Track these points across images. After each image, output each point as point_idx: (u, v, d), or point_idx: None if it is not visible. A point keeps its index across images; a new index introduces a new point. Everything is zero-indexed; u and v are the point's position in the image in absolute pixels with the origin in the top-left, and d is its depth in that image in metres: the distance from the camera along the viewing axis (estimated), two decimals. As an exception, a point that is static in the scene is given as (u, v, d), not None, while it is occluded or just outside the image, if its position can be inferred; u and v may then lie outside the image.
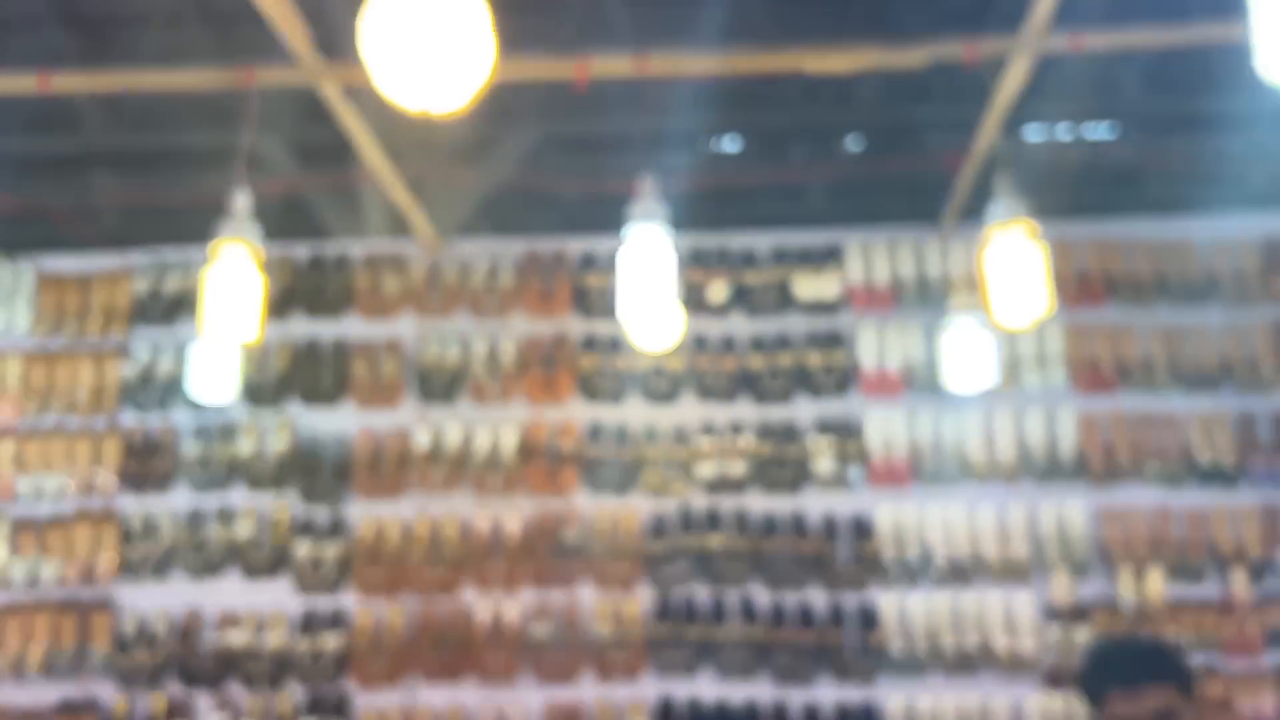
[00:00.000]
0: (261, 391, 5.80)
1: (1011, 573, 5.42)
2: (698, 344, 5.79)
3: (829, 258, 5.91)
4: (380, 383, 5.83)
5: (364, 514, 5.67)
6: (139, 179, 5.73)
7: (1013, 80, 4.06)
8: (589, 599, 5.52)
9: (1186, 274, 5.80)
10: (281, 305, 5.88)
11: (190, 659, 5.50)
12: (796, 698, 5.37)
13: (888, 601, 5.43)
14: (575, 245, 6.01)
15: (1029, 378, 5.67)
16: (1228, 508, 5.49)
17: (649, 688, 5.41)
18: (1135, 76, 5.07)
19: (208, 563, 5.61)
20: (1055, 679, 5.29)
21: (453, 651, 5.45)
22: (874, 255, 5.90)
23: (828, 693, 5.36)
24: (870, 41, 4.58)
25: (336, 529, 5.64)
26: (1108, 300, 5.78)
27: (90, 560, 5.61)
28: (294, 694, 5.45)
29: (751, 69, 4.25)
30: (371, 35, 1.97)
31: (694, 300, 5.79)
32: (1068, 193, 5.62)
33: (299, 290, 5.97)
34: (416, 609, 5.53)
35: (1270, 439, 5.57)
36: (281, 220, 5.29)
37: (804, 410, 5.71)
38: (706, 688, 5.40)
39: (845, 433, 5.65)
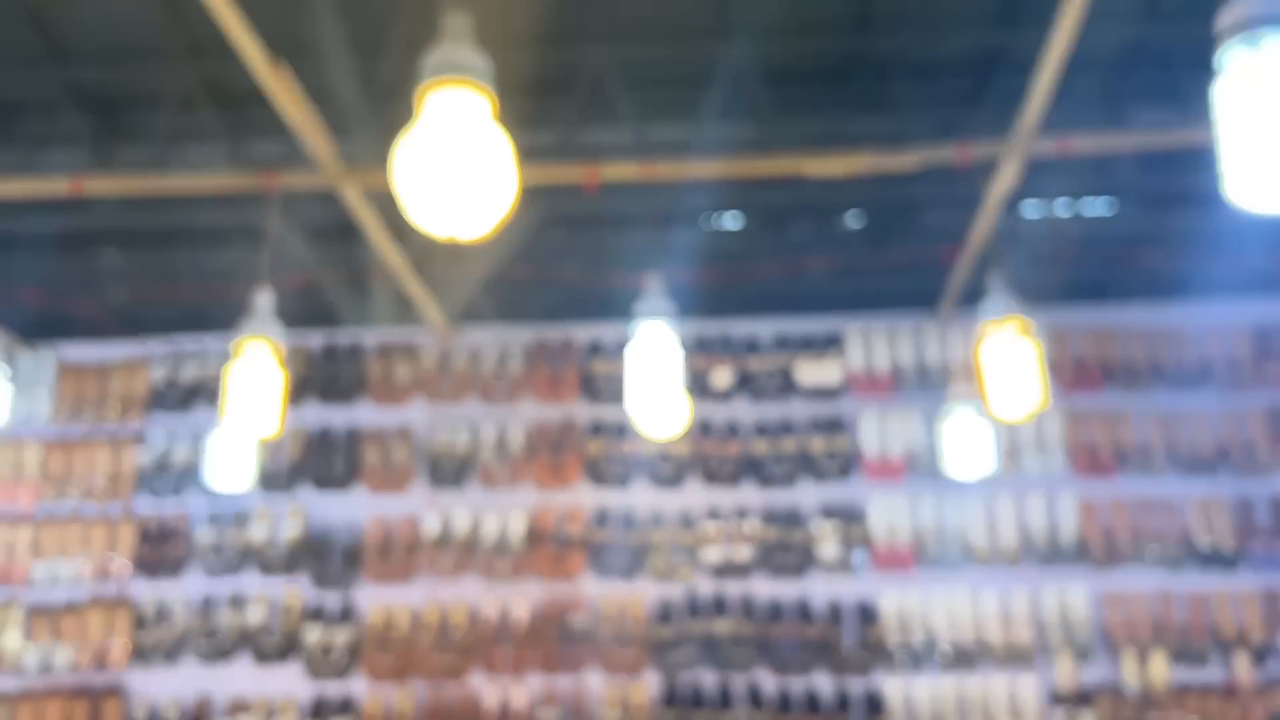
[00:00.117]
0: (274, 478, 5.91)
1: (1015, 657, 5.46)
2: (703, 429, 5.90)
3: (830, 344, 6.05)
4: (391, 469, 5.94)
5: (374, 599, 5.74)
6: (149, 256, 5.83)
7: (1003, 181, 4.23)
8: (596, 685, 5.56)
9: (1181, 360, 5.93)
10: (295, 393, 6.02)
11: (200, 746, 5.52)
12: (804, 784, 5.37)
13: (893, 687, 5.47)
14: (582, 332, 6.17)
15: (1029, 463, 5.78)
16: (1228, 591, 5.55)
17: (656, 774, 5.42)
18: (1132, 154, 5.13)
19: (219, 649, 5.67)
20: (1062, 765, 5.29)
21: (461, 738, 5.48)
22: (874, 342, 6.04)
23: (835, 779, 5.37)
24: (868, 118, 4.76)
25: (347, 615, 5.71)
26: (1105, 386, 5.90)
27: (103, 646, 5.67)
28: (302, 781, 5.46)
29: (753, 173, 4.43)
30: (402, 168, 2.13)
31: (698, 386, 5.92)
32: (1066, 268, 5.73)
33: (313, 378, 6.11)
34: (425, 695, 5.57)
35: (1268, 523, 5.65)
36: (297, 308, 5.43)
37: (808, 495, 5.81)
38: (714, 774, 5.40)
39: (849, 518, 5.73)
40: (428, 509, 5.88)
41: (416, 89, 2.16)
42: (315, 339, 6.20)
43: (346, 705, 5.57)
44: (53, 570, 5.79)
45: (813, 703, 5.46)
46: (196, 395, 6.06)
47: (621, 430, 5.90)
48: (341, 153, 4.14)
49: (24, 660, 5.65)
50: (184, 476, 5.92)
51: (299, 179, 4.29)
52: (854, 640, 5.55)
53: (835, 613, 5.60)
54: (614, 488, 5.88)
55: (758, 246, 5.82)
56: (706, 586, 5.67)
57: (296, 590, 5.76)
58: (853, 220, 5.85)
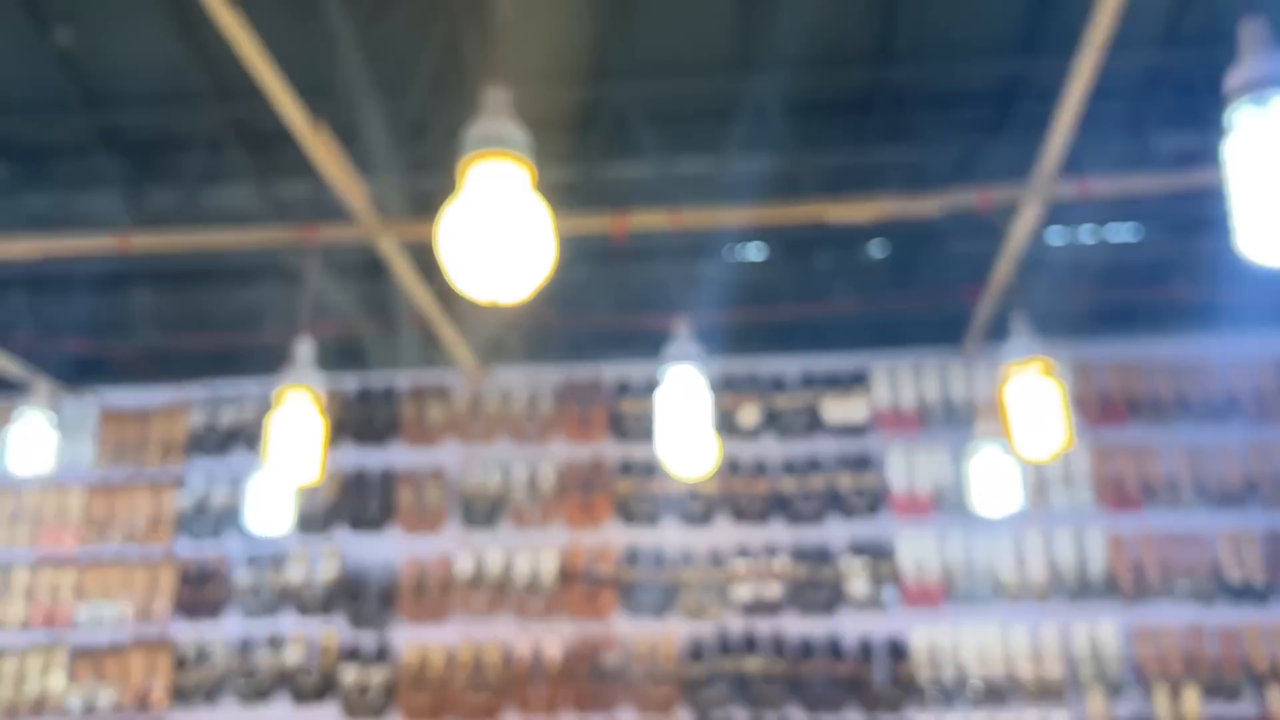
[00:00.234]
0: (311, 520, 6.02)
1: (1047, 693, 5.48)
2: (731, 467, 5.97)
3: (856, 382, 6.12)
4: (425, 509, 6.04)
5: (409, 639, 5.82)
6: (179, 296, 5.90)
7: (1024, 223, 4.31)
8: (629, 723, 5.62)
9: (1207, 393, 5.95)
10: (331, 435, 6.11)
11: (239, 786, 5.61)
12: (837, 822, 5.39)
13: (925, 723, 5.49)
14: (611, 372, 6.26)
15: (1056, 498, 5.81)
16: (1261, 625, 5.55)
17: (690, 812, 5.45)
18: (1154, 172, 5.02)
19: (258, 689, 5.76)
20: (1096, 801, 5.29)
21: (496, 777, 5.54)
22: (900, 379, 6.11)
23: (868, 817, 5.39)
24: (890, 149, 4.78)
25: (383, 654, 5.79)
26: (1131, 420, 5.93)
27: (145, 687, 5.78)
28: (340, 821, 5.53)
29: (778, 219, 4.52)
30: (447, 237, 2.24)
31: (725, 424, 5.98)
32: (1092, 296, 5.71)
33: (347, 420, 6.23)
34: (460, 734, 5.63)
35: (1299, 555, 5.65)
36: (330, 350, 5.50)
37: (836, 532, 5.86)
38: (747, 812, 5.43)
39: (878, 554, 5.78)
40: (461, 549, 5.97)
41: (459, 161, 2.28)
42: (349, 382, 6.32)
43: (383, 744, 5.64)
44: (96, 612, 5.92)
45: (845, 740, 5.49)
46: (234, 439, 6.20)
47: (650, 469, 5.98)
48: (369, 192, 4.21)
49: (68, 702, 5.77)
50: (223, 519, 6.04)
51: (337, 232, 4.42)
52: (885, 677, 5.58)
53: (866, 649, 5.64)
54: (644, 526, 5.95)
55: (781, 277, 5.83)
56: (737, 624, 5.73)
57: (333, 630, 5.86)
58: (876, 249, 5.85)
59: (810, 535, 5.86)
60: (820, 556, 5.80)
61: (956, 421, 5.95)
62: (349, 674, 5.74)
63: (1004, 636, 5.62)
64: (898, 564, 5.75)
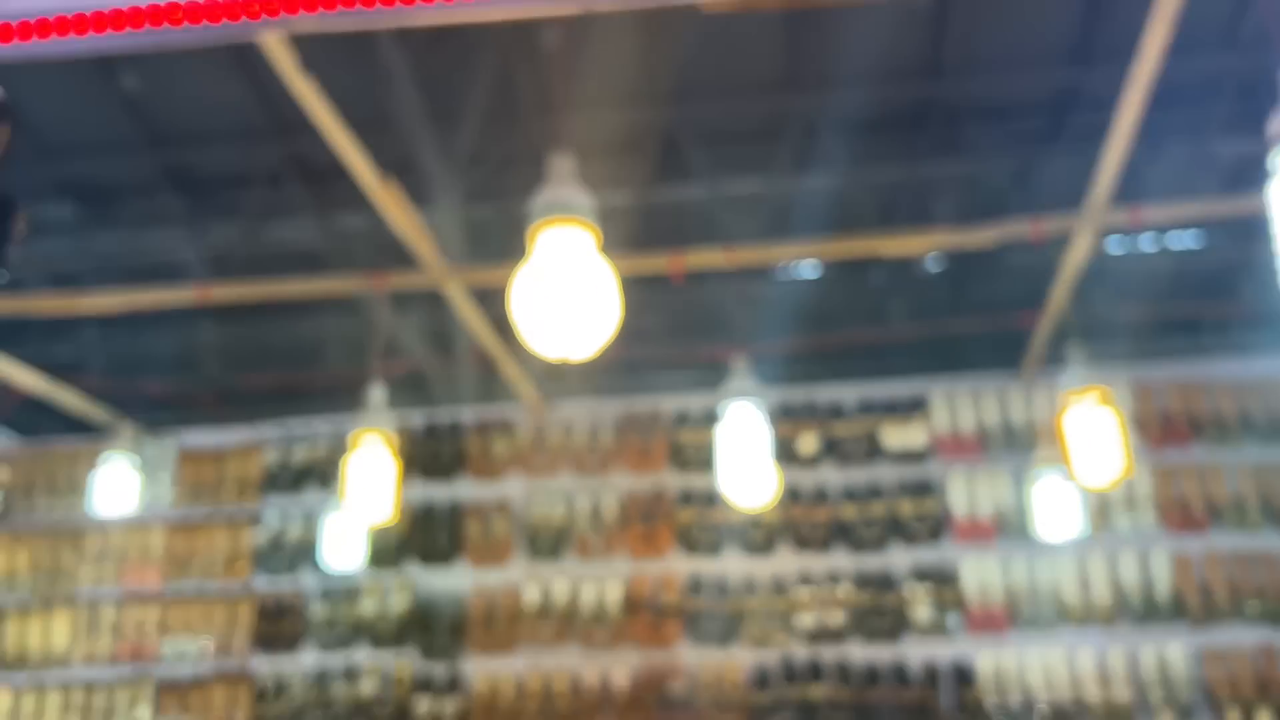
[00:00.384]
0: (383, 554, 6.18)
1: (1115, 717, 5.45)
2: (791, 495, 6.03)
3: (915, 408, 6.15)
4: (492, 542, 6.19)
5: (480, 669, 5.95)
6: (243, 327, 5.94)
7: (1077, 252, 4.34)
8: (697, 750, 5.69)
9: (1271, 411, 5.90)
10: (401, 473, 6.29)
11: (319, 815, 5.77)
12: None
13: (993, 749, 5.49)
14: (669, 403, 6.36)
15: (1119, 520, 5.79)
16: (1334, 646, 5.48)
17: (760, 840, 5.50)
18: (1218, 182, 4.80)
19: (335, 720, 5.93)
20: (1169, 827, 5.26)
21: (567, 805, 5.64)
22: (959, 404, 6.13)
23: (938, 843, 5.39)
24: (943, 163, 4.74)
25: (454, 685, 5.93)
26: (1193, 440, 5.90)
27: (226, 720, 5.97)
28: None
29: (834, 254, 4.59)
30: (519, 299, 2.37)
31: (785, 453, 6.04)
32: (1155, 306, 5.57)
33: (416, 456, 6.40)
34: (531, 763, 5.74)
35: (1371, 574, 5.57)
36: (397, 389, 5.60)
37: (899, 558, 5.89)
38: (816, 839, 5.47)
39: (941, 580, 5.80)
40: (527, 580, 6.09)
41: (528, 228, 2.40)
42: (415, 418, 6.49)
43: (456, 774, 5.77)
44: (179, 647, 6.13)
45: (912, 766, 5.51)
46: (307, 477, 6.40)
47: (711, 499, 6.05)
48: (427, 223, 4.29)
49: (155, 735, 5.98)
50: (298, 555, 6.23)
51: (406, 279, 4.57)
52: (951, 702, 5.59)
53: (931, 675, 5.66)
54: (706, 556, 6.03)
55: (836, 294, 5.77)
56: (802, 652, 5.78)
57: (406, 662, 6.00)
58: (933, 264, 5.72)
59: (872, 562, 5.90)
60: (883, 583, 5.84)
61: (1017, 445, 5.96)
62: (422, 704, 5.88)
63: (1070, 660, 5.60)
64: (961, 589, 5.77)
